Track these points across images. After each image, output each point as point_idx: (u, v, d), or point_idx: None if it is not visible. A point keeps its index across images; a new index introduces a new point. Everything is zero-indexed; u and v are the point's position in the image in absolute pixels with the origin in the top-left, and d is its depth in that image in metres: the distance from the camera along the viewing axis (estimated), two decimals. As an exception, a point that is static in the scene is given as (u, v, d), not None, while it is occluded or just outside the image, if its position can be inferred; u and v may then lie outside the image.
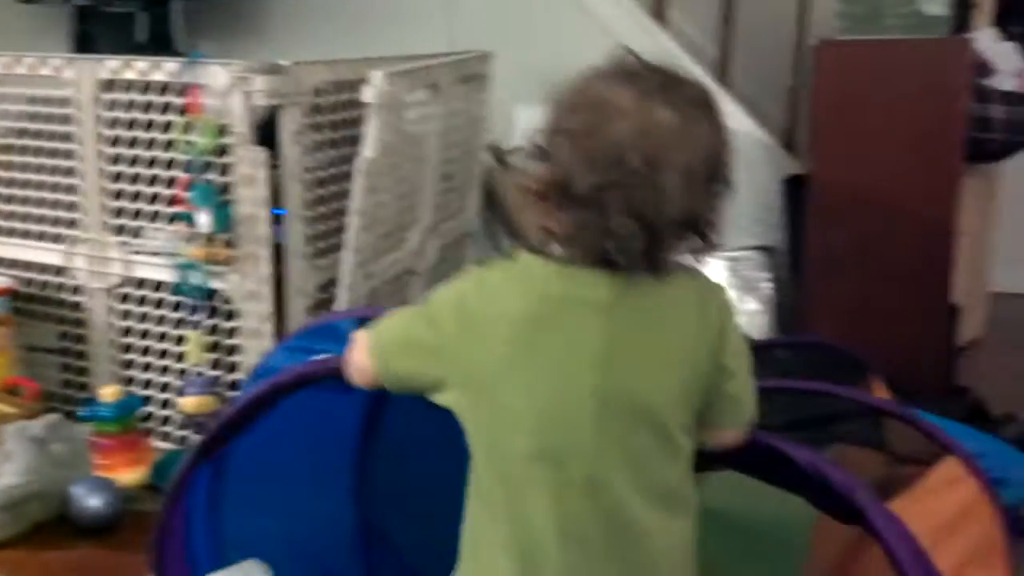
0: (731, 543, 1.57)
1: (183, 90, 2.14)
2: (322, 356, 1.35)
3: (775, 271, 2.89)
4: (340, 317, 1.60)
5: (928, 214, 2.51)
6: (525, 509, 1.03)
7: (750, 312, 2.84)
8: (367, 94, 2.10)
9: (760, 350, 1.53)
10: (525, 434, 1.02)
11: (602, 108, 1.00)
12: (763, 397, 1.28)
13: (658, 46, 3.02)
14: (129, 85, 2.23)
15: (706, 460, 1.26)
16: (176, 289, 2.21)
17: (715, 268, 2.89)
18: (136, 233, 2.29)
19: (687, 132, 1.00)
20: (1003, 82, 2.72)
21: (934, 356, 2.56)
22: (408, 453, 1.58)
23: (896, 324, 2.53)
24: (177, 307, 2.26)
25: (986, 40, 2.72)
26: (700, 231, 1.04)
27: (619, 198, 0.97)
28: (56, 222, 2.37)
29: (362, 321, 1.44)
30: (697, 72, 3.00)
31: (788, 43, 3.05)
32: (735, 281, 2.88)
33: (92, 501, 1.92)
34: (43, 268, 2.41)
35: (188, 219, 2.14)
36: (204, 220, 2.12)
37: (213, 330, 2.24)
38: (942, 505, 1.13)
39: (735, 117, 3.02)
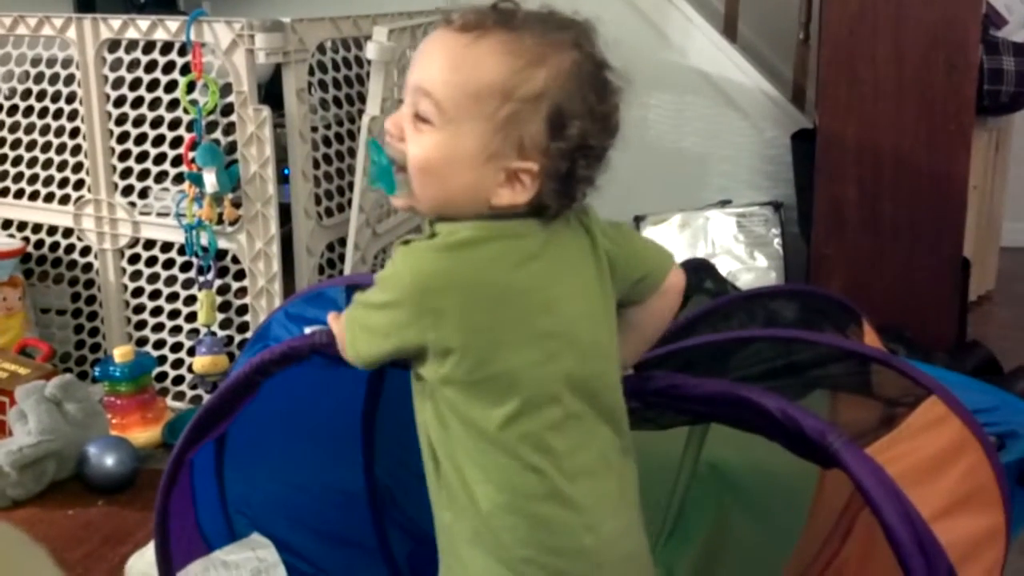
0: (735, 495, 1.58)
1: (186, 49, 2.13)
2: (307, 330, 1.35)
3: (784, 227, 2.88)
4: (334, 284, 1.60)
5: (938, 168, 2.49)
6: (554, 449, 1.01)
7: (759, 268, 2.83)
8: (370, 51, 2.09)
9: (748, 300, 1.53)
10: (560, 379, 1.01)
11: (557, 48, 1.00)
12: (744, 346, 1.28)
13: (666, 1, 3.00)
14: (132, 45, 2.22)
15: (686, 416, 1.26)
16: (185, 250, 2.22)
17: (725, 224, 2.88)
18: (143, 194, 2.29)
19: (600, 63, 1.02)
20: (1013, 34, 2.69)
21: (945, 311, 2.55)
22: (412, 414, 1.58)
23: (906, 279, 2.52)
24: (187, 267, 2.26)
25: (997, -9, 2.70)
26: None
27: (603, 133, 1.00)
28: (64, 183, 2.37)
29: (354, 289, 1.44)
30: (703, 25, 2.99)
31: (796, -4, 3.03)
32: (744, 237, 2.87)
33: (107, 460, 1.94)
34: (52, 230, 2.42)
35: (194, 179, 2.14)
36: (210, 180, 2.12)
37: (223, 290, 2.24)
38: (924, 445, 1.12)
39: (744, 72, 3.00)
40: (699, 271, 1.58)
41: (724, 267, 2.75)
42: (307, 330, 1.41)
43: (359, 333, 1.04)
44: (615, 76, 1.01)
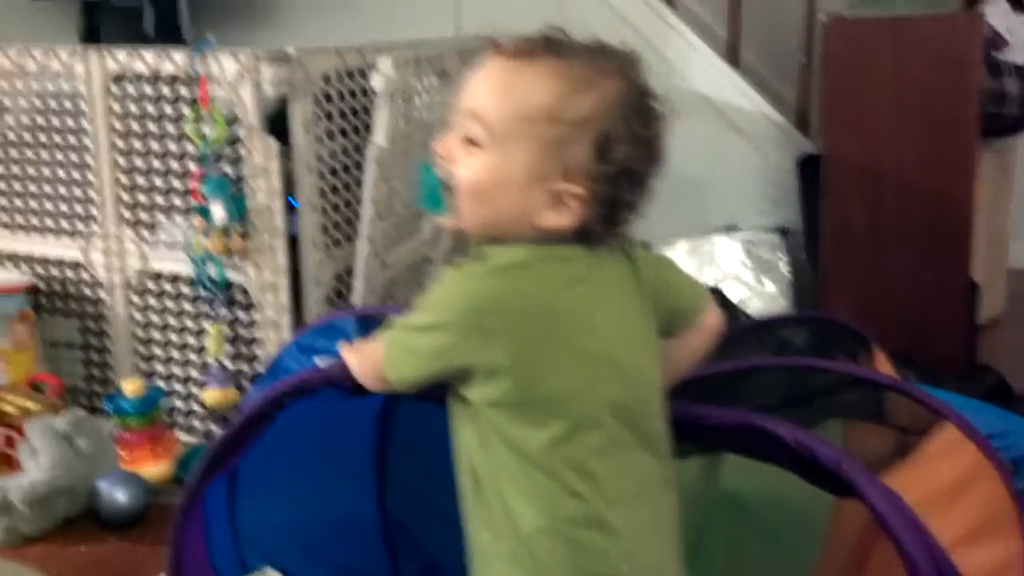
0: (750, 524, 1.57)
1: (192, 81, 2.14)
2: (319, 361, 1.35)
3: (791, 252, 2.89)
4: (345, 315, 1.60)
5: (944, 190, 2.50)
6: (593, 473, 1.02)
7: (768, 294, 2.83)
8: (376, 81, 2.10)
9: (759, 328, 1.53)
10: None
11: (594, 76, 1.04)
12: (757, 376, 1.28)
13: (667, 26, 3.01)
14: (139, 77, 2.23)
15: (700, 445, 1.26)
16: (194, 282, 2.22)
17: (732, 251, 2.88)
18: (152, 227, 2.30)
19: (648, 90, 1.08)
20: (1016, 55, 2.70)
21: (954, 334, 2.54)
22: (424, 446, 1.58)
23: (915, 303, 2.52)
24: (195, 300, 2.26)
25: (998, 13, 2.70)
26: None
27: (649, 159, 1.05)
28: (72, 217, 2.37)
29: (365, 320, 1.45)
30: (706, 50, 3.00)
31: (798, 22, 3.04)
32: (752, 263, 2.87)
33: (118, 495, 1.94)
34: (61, 263, 2.42)
35: (202, 212, 2.15)
36: (218, 212, 2.12)
37: (232, 322, 2.24)
38: (939, 472, 1.12)
39: (747, 97, 3.01)
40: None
41: (732, 293, 2.75)
42: (318, 361, 1.42)
43: (402, 355, 1.06)
44: (659, 104, 1.05)
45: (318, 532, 1.59)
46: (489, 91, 1.02)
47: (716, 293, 1.66)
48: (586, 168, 1.00)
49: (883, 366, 1.48)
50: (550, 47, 1.03)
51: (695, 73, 3.01)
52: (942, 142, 2.49)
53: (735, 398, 1.23)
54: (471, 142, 1.02)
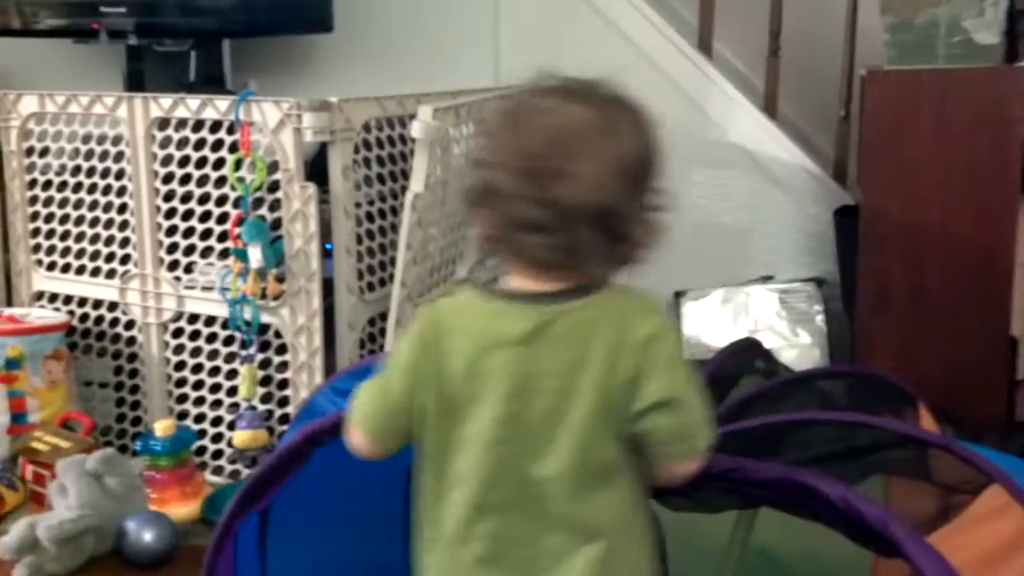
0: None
1: (234, 127, 2.17)
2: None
3: (827, 303, 2.86)
4: (382, 359, 1.60)
5: (984, 245, 2.47)
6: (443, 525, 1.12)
7: (802, 345, 2.80)
8: (415, 129, 2.11)
9: (802, 381, 1.51)
10: (450, 461, 1.11)
11: (524, 109, 1.07)
12: (800, 429, 1.26)
13: (706, 78, 3.02)
14: (181, 122, 2.26)
15: (740, 500, 1.24)
16: (228, 324, 2.23)
17: (767, 301, 2.86)
18: (188, 269, 2.32)
19: (604, 127, 1.05)
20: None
21: (993, 391, 2.50)
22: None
23: (953, 358, 2.48)
24: (229, 341, 2.27)
25: (1040, 68, 2.68)
26: (619, 231, 1.05)
27: (535, 187, 1.02)
28: (110, 258, 2.40)
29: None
30: (744, 103, 3.00)
31: (836, 74, 3.03)
32: (787, 313, 2.85)
33: (146, 535, 1.93)
34: (97, 303, 2.45)
35: (239, 255, 2.16)
36: (255, 256, 2.14)
37: (264, 364, 2.25)
38: (986, 535, 1.09)
39: (785, 149, 3.01)
40: (750, 351, 1.57)
41: (767, 344, 2.72)
42: None
43: None
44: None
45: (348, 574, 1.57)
46: None
47: (754, 344, 1.65)
48: None
49: (927, 423, 1.45)
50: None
51: (733, 125, 3.01)
52: (982, 197, 2.46)
53: (777, 452, 1.21)
54: None
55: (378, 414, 1.15)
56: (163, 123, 2.28)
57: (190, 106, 2.23)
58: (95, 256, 2.42)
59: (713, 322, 2.88)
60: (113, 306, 2.43)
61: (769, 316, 2.83)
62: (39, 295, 2.51)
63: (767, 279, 2.94)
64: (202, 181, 2.25)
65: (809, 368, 2.52)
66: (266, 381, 2.26)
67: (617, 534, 1.10)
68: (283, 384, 2.25)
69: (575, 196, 1.02)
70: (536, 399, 1.06)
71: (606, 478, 1.08)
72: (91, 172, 2.40)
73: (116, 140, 2.35)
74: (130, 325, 2.41)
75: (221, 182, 2.22)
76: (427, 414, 1.11)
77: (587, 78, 1.10)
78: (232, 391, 2.28)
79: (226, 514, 1.34)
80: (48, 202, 2.46)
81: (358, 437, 1.17)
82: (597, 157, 1.03)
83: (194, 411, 2.35)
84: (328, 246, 2.19)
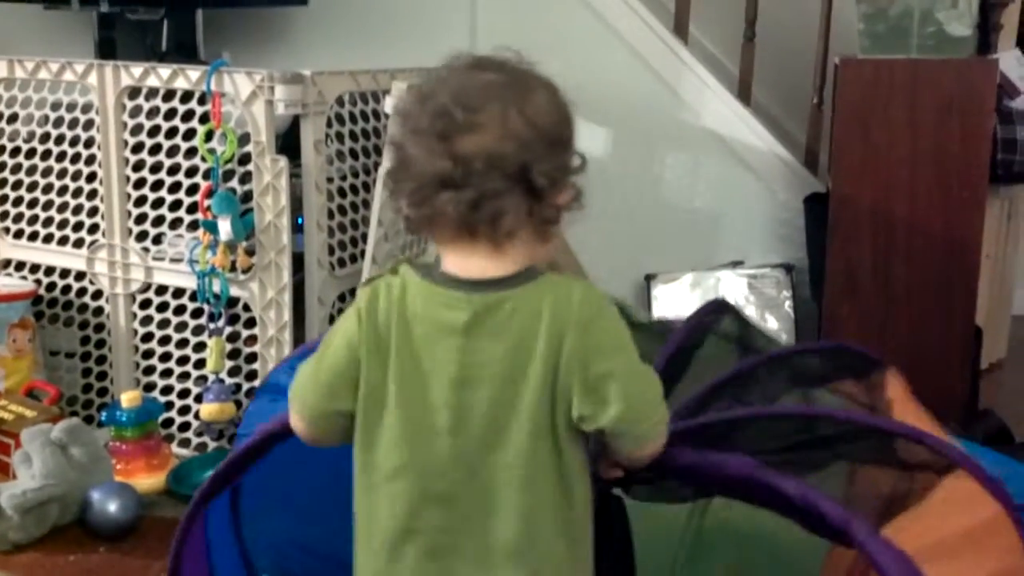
0: (750, 553, 1.56)
1: (205, 98, 2.15)
2: None
3: (796, 289, 2.88)
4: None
5: (951, 235, 2.50)
6: (379, 518, 1.09)
7: (770, 330, 2.82)
8: (389, 104, 2.11)
9: (773, 360, 1.52)
10: (389, 450, 1.07)
11: (433, 83, 1.07)
12: (764, 422, 1.26)
13: (680, 62, 3.02)
14: (152, 92, 2.24)
15: (701, 490, 1.25)
16: (196, 296, 2.22)
17: (736, 285, 2.88)
18: (157, 240, 2.30)
19: (512, 84, 1.05)
20: (1027, 104, 2.70)
21: (956, 378, 2.53)
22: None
23: (918, 345, 2.51)
24: (197, 314, 2.26)
25: (1010, 61, 2.71)
26: (535, 187, 1.03)
27: (441, 144, 1.02)
28: (78, 227, 2.38)
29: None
30: (718, 88, 3.01)
31: (811, 61, 3.05)
32: (755, 298, 2.87)
33: (111, 506, 1.92)
34: (65, 272, 2.43)
35: (209, 227, 2.15)
36: (224, 228, 2.13)
37: (233, 337, 2.24)
38: (950, 520, 1.10)
39: (757, 135, 3.02)
40: (719, 312, 1.57)
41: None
42: None
43: None
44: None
45: (322, 532, 1.57)
46: None
47: (723, 304, 1.64)
48: None
49: (896, 389, 1.46)
50: None
51: (706, 109, 3.02)
52: (951, 187, 2.49)
53: (742, 441, 1.21)
54: None
55: (309, 395, 1.12)
56: (134, 92, 2.26)
57: (161, 75, 2.21)
58: (63, 225, 2.40)
59: (683, 305, 2.90)
60: (80, 275, 2.40)
61: (738, 301, 2.85)
62: (6, 263, 2.49)
63: (737, 264, 2.96)
64: (172, 152, 2.23)
65: (782, 347, 2.54)
66: (234, 354, 2.25)
67: (558, 536, 1.08)
68: (251, 358, 2.24)
69: (480, 145, 1.01)
70: (481, 388, 1.04)
71: (555, 470, 1.06)
72: (60, 140, 2.37)
73: (86, 108, 2.33)
74: (98, 295, 2.39)
75: (191, 153, 2.20)
76: (361, 398, 1.09)
77: (500, 55, 1.10)
78: (200, 363, 2.27)
79: (190, 510, 1.35)
80: (16, 169, 2.43)
81: (295, 419, 1.15)
82: (503, 109, 1.03)
83: (161, 383, 2.34)
84: (299, 220, 2.18)
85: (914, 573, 0.98)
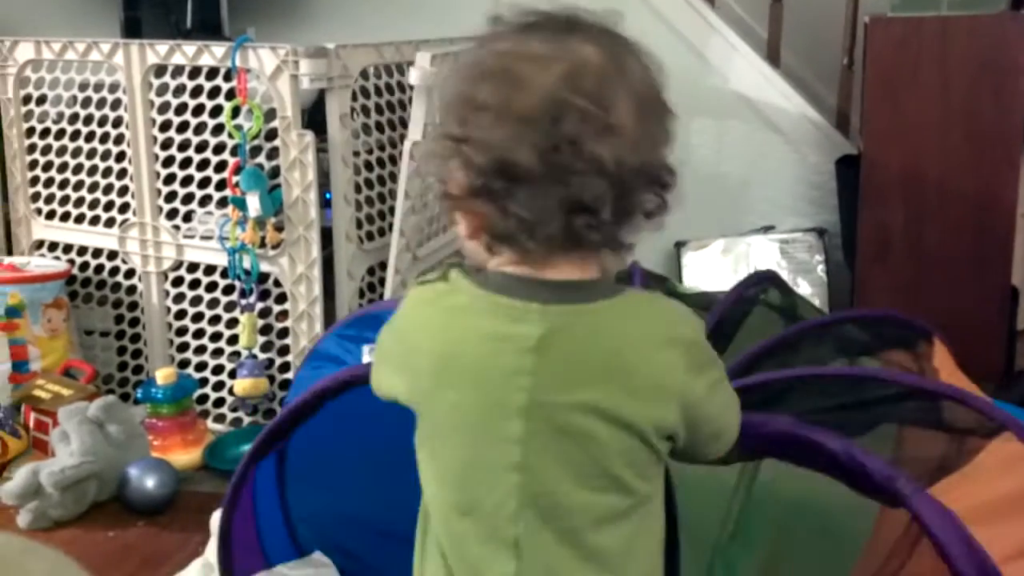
0: (795, 524, 1.55)
1: (231, 74, 2.15)
2: (368, 352, 1.36)
3: (828, 253, 2.85)
4: (389, 306, 1.60)
5: (985, 195, 2.46)
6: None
7: (803, 295, 2.80)
8: (413, 76, 2.10)
9: (817, 327, 1.50)
10: (448, 486, 0.94)
11: (513, 66, 0.86)
12: (812, 382, 1.26)
13: (708, 25, 2.99)
14: (178, 70, 2.25)
15: (746, 452, 1.24)
16: (227, 272, 2.23)
17: (768, 250, 2.86)
18: (187, 217, 2.32)
19: (618, 64, 0.87)
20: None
21: (992, 340, 2.50)
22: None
23: (952, 307, 2.48)
24: (229, 290, 2.28)
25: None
26: (663, 183, 0.90)
27: (577, 154, 0.82)
28: (109, 207, 2.40)
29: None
30: (746, 50, 2.97)
31: (840, 22, 3.00)
32: (787, 263, 2.84)
33: (148, 482, 1.95)
34: (97, 252, 2.45)
35: (238, 203, 2.16)
36: (253, 204, 2.13)
37: (264, 313, 2.25)
38: (996, 483, 1.09)
39: (787, 97, 2.98)
40: (763, 283, 1.56)
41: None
42: (367, 350, 1.43)
43: None
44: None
45: (372, 516, 1.57)
46: None
47: (774, 277, 1.62)
48: None
49: (943, 359, 1.45)
50: None
51: (735, 73, 2.99)
52: (984, 147, 2.45)
53: (788, 403, 1.20)
54: None
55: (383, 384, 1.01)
56: (160, 70, 2.27)
57: (187, 53, 2.21)
58: (94, 205, 2.42)
59: (714, 272, 2.88)
60: (113, 255, 2.43)
61: (770, 266, 2.83)
62: (39, 244, 2.51)
63: (768, 229, 2.93)
64: (199, 129, 2.24)
65: (826, 316, 2.53)
66: (266, 330, 2.26)
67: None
68: (283, 333, 2.25)
69: (622, 155, 0.84)
70: (555, 415, 0.87)
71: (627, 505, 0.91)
72: (89, 120, 2.38)
73: (113, 87, 2.34)
74: (130, 274, 2.41)
75: (219, 130, 2.21)
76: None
77: (561, 11, 0.91)
78: (232, 339, 2.29)
79: (239, 471, 1.36)
80: (46, 150, 2.45)
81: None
82: (633, 101, 0.86)
83: (195, 359, 2.36)
84: (327, 195, 2.18)
85: (960, 530, 0.97)
